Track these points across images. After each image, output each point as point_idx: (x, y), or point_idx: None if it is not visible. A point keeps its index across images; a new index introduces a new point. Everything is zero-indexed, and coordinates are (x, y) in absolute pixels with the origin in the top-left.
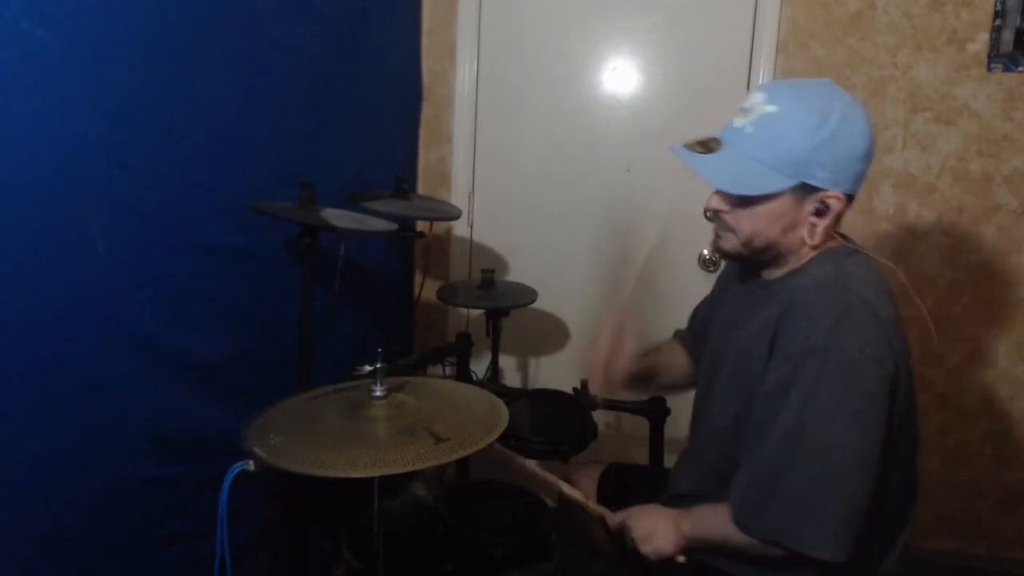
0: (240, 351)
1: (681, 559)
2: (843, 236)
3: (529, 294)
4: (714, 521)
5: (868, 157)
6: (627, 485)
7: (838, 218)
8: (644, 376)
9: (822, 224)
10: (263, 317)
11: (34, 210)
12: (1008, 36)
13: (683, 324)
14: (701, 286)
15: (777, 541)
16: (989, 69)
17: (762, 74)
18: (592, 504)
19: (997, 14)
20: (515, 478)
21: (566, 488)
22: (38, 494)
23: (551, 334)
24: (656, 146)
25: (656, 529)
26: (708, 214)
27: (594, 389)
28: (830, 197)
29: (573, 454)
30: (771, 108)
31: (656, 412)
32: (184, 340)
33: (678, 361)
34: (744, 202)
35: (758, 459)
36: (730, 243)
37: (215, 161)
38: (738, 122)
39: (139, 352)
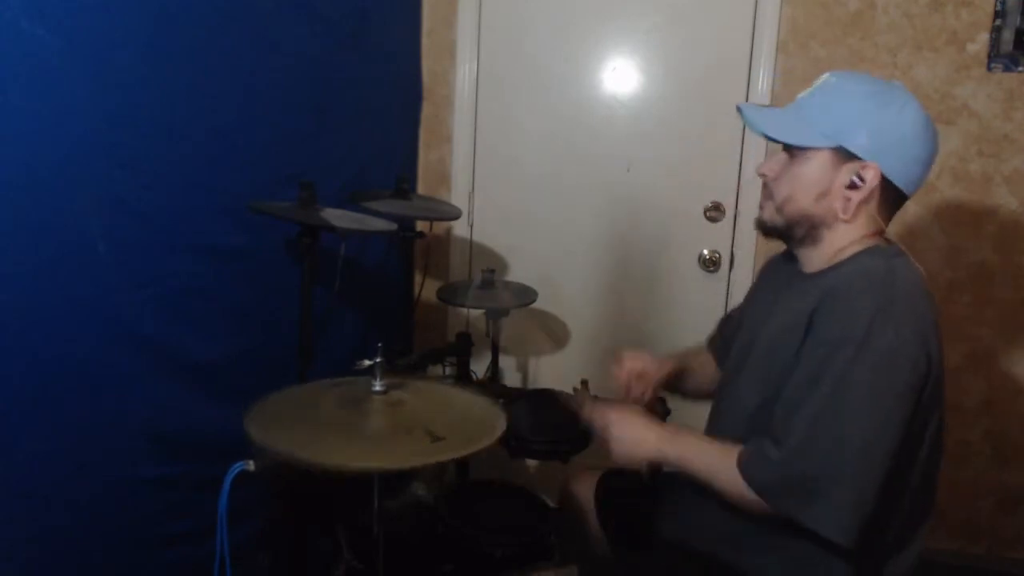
0: (240, 351)
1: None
2: (888, 240)
3: (529, 294)
4: (711, 460)
5: (916, 143)
6: (622, 490)
7: (881, 205)
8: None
9: (856, 198)
10: (263, 317)
11: (34, 210)
12: (1008, 36)
13: (683, 325)
14: (701, 286)
15: (787, 512)
16: (989, 69)
17: (762, 74)
18: (586, 408)
19: (997, 14)
20: (515, 478)
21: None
22: (38, 494)
23: (551, 334)
24: (656, 146)
25: (636, 442)
26: (761, 178)
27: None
28: (867, 169)
29: (573, 454)
30: (831, 80)
31: (656, 412)
32: (184, 340)
33: (708, 369)
34: (789, 164)
35: (781, 431)
36: (768, 212)
37: (215, 161)
38: (800, 95)
39: (139, 352)
